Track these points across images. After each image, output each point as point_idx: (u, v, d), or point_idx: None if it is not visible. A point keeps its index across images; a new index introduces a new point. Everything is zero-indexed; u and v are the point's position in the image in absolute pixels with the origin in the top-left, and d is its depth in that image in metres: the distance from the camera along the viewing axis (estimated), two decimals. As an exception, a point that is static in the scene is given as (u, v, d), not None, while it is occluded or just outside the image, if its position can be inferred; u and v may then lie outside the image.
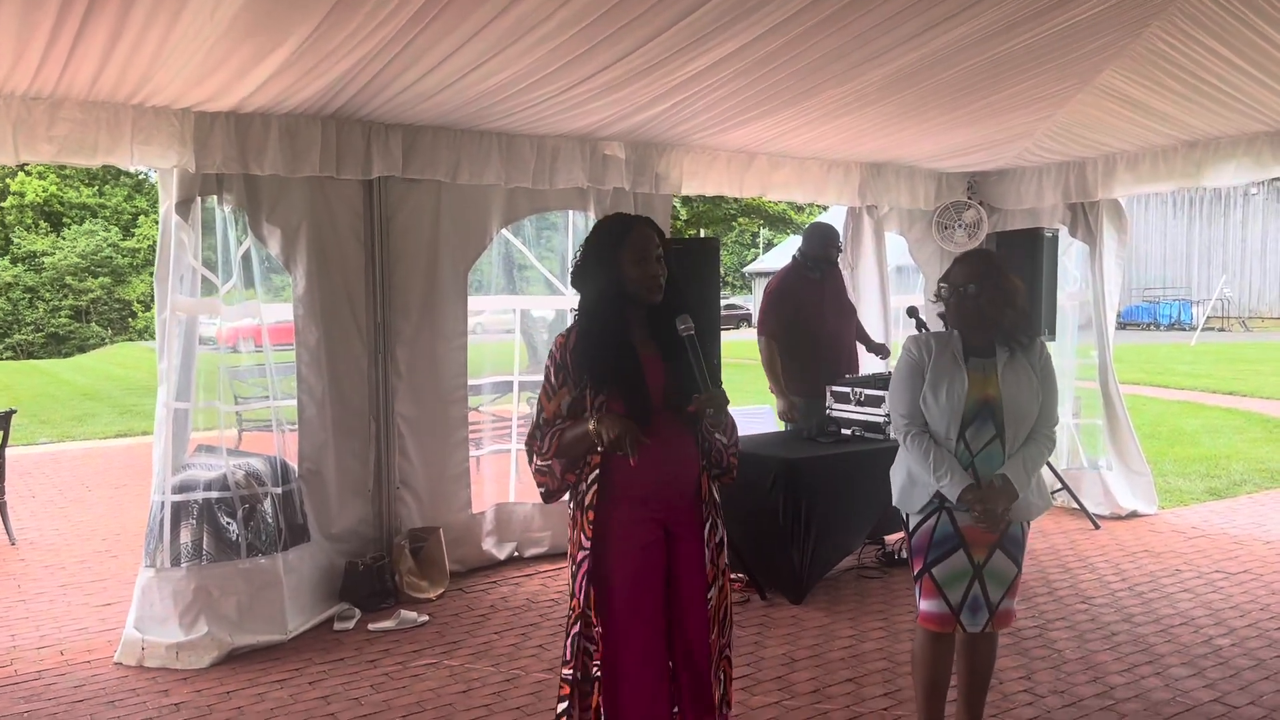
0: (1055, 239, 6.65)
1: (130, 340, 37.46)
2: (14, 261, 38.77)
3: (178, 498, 4.60)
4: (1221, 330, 32.01)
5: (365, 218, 5.35)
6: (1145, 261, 36.07)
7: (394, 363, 5.46)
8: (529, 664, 4.45)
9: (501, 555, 5.90)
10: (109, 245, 39.58)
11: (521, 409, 6.37)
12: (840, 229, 6.80)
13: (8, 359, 34.24)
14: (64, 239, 39.47)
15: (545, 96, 4.77)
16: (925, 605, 3.27)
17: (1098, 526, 6.73)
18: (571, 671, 2.84)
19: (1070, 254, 7.27)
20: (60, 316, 38.45)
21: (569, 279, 3.22)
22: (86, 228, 39.85)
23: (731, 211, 23.56)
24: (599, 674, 2.80)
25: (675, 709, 2.89)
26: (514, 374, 6.25)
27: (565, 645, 2.86)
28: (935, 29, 4.22)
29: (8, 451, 6.79)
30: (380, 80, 4.37)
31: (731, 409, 2.87)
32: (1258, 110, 5.40)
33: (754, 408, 7.96)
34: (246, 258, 4.98)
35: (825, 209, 12.97)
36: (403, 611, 5.01)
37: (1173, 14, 4.47)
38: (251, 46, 3.81)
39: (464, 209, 5.62)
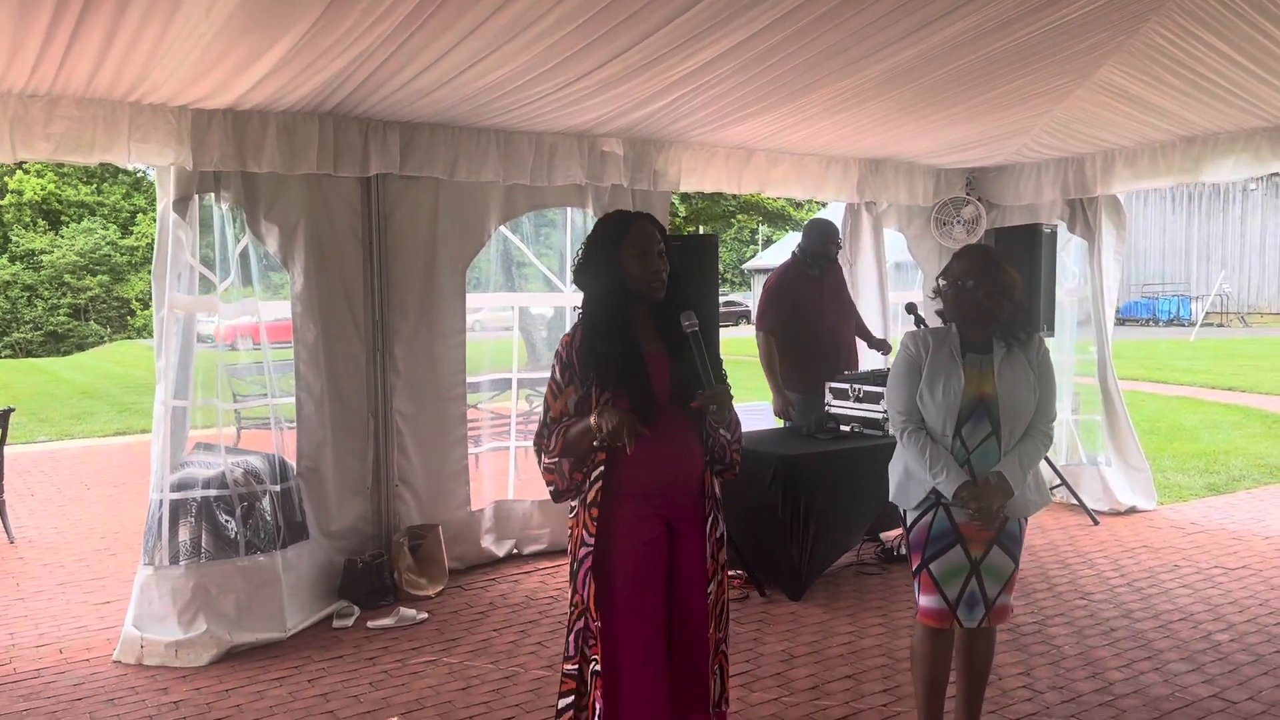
0: (1054, 235, 6.65)
1: (129, 338, 37.45)
2: (12, 260, 38.76)
3: (176, 496, 4.60)
4: (1220, 326, 32.00)
5: (363, 215, 5.34)
6: (1144, 257, 36.09)
7: (392, 360, 5.45)
8: (528, 661, 4.45)
9: (500, 552, 5.90)
10: (107, 243, 39.56)
11: (520, 406, 6.37)
12: (839, 225, 6.80)
13: (6, 357, 34.22)
14: (62, 237, 39.45)
15: (543, 93, 4.76)
16: (924, 601, 3.27)
17: (1096, 522, 6.73)
18: (575, 667, 2.85)
19: (1069, 250, 7.27)
20: (59, 315, 38.44)
21: (571, 277, 3.22)
22: (85, 226, 39.84)
23: (730, 208, 23.57)
24: (598, 669, 2.82)
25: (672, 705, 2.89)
26: (512, 371, 6.25)
27: (568, 641, 2.87)
28: (933, 24, 4.21)
29: (6, 450, 6.79)
30: (377, 77, 4.36)
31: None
32: (1256, 105, 5.39)
33: (753, 404, 7.95)
34: (244, 255, 4.98)
35: (824, 205, 12.97)
36: (401, 609, 5.02)
37: (1171, 9, 4.46)
38: (248, 44, 3.80)
39: (462, 206, 5.62)
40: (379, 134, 5.11)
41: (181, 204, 4.68)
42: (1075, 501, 6.91)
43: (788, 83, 4.88)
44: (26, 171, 38.62)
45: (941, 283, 3.29)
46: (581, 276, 2.91)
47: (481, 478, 6.09)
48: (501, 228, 5.87)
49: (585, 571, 2.81)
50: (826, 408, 5.82)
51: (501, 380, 6.43)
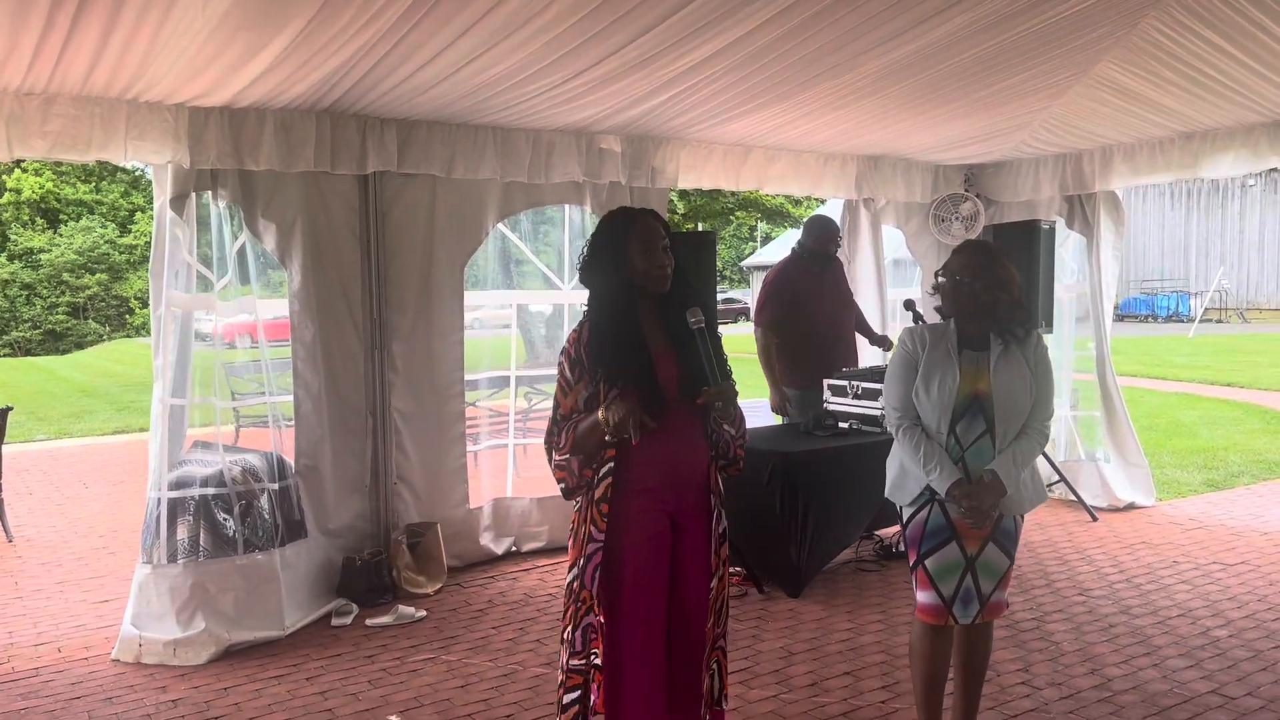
0: (1052, 231, 6.65)
1: (128, 337, 37.43)
2: (11, 258, 38.73)
3: (174, 494, 4.60)
4: (1219, 322, 32.03)
5: (361, 213, 5.33)
6: (1143, 253, 36.12)
7: (390, 358, 5.45)
8: (526, 658, 4.45)
9: (499, 550, 5.90)
10: (106, 242, 39.54)
11: (519, 404, 6.36)
12: (838, 222, 6.80)
13: (5, 356, 34.21)
14: (61, 235, 39.43)
15: (540, 90, 4.75)
16: (921, 597, 3.27)
17: (1095, 519, 6.73)
18: (582, 662, 2.86)
19: (1067, 246, 7.27)
20: (57, 313, 38.41)
21: (576, 275, 3.23)
22: (83, 224, 39.81)
23: (729, 205, 23.54)
24: (598, 662, 2.85)
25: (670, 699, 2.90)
26: (511, 369, 6.23)
27: (575, 636, 2.88)
28: (931, 21, 4.21)
29: (5, 448, 6.79)
30: (374, 75, 4.35)
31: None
32: (1255, 101, 5.39)
33: (752, 401, 7.95)
34: (242, 253, 4.97)
35: (823, 202, 12.95)
36: (400, 607, 5.01)
37: (1169, 5, 4.46)
38: (244, 41, 3.79)
39: (460, 204, 5.61)
40: (376, 131, 5.10)
41: (179, 202, 4.67)
42: (1074, 498, 6.91)
43: (785, 79, 4.88)
44: (25, 170, 38.61)
45: (940, 278, 3.29)
46: (587, 274, 2.93)
47: (480, 475, 6.09)
48: (499, 225, 5.86)
49: (594, 567, 2.82)
50: (825, 404, 5.82)
51: (500, 378, 6.42)
